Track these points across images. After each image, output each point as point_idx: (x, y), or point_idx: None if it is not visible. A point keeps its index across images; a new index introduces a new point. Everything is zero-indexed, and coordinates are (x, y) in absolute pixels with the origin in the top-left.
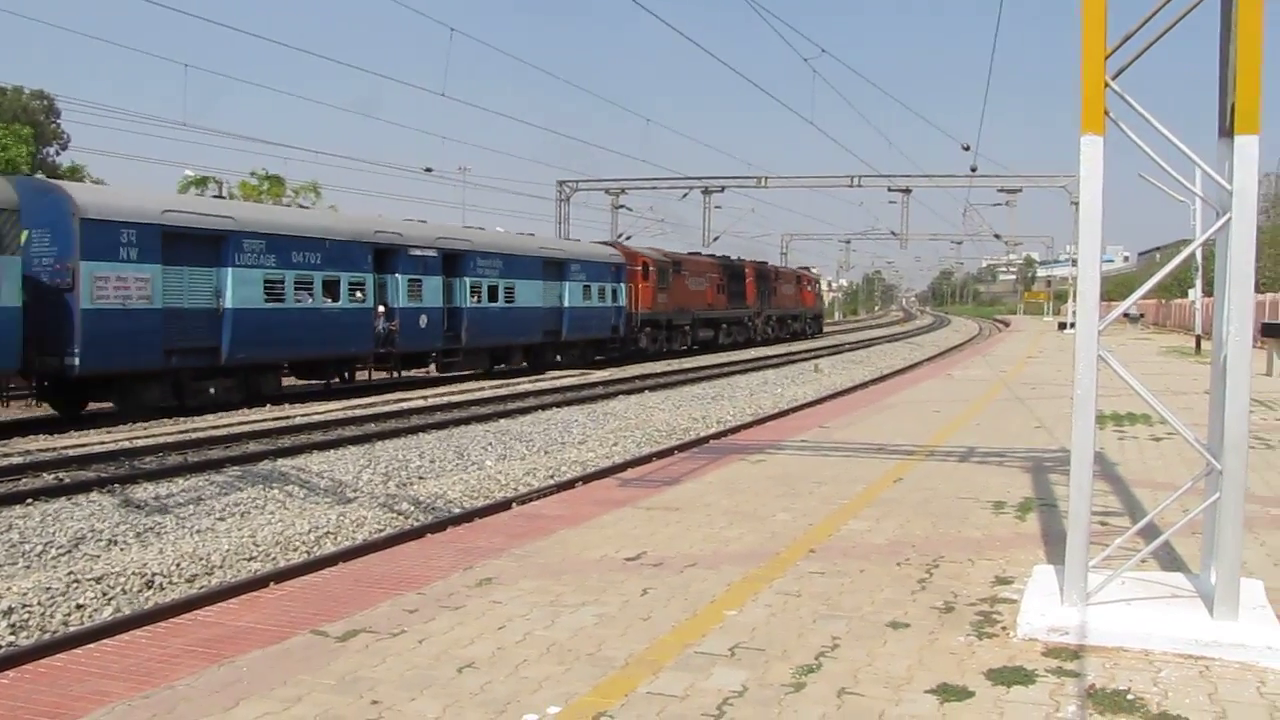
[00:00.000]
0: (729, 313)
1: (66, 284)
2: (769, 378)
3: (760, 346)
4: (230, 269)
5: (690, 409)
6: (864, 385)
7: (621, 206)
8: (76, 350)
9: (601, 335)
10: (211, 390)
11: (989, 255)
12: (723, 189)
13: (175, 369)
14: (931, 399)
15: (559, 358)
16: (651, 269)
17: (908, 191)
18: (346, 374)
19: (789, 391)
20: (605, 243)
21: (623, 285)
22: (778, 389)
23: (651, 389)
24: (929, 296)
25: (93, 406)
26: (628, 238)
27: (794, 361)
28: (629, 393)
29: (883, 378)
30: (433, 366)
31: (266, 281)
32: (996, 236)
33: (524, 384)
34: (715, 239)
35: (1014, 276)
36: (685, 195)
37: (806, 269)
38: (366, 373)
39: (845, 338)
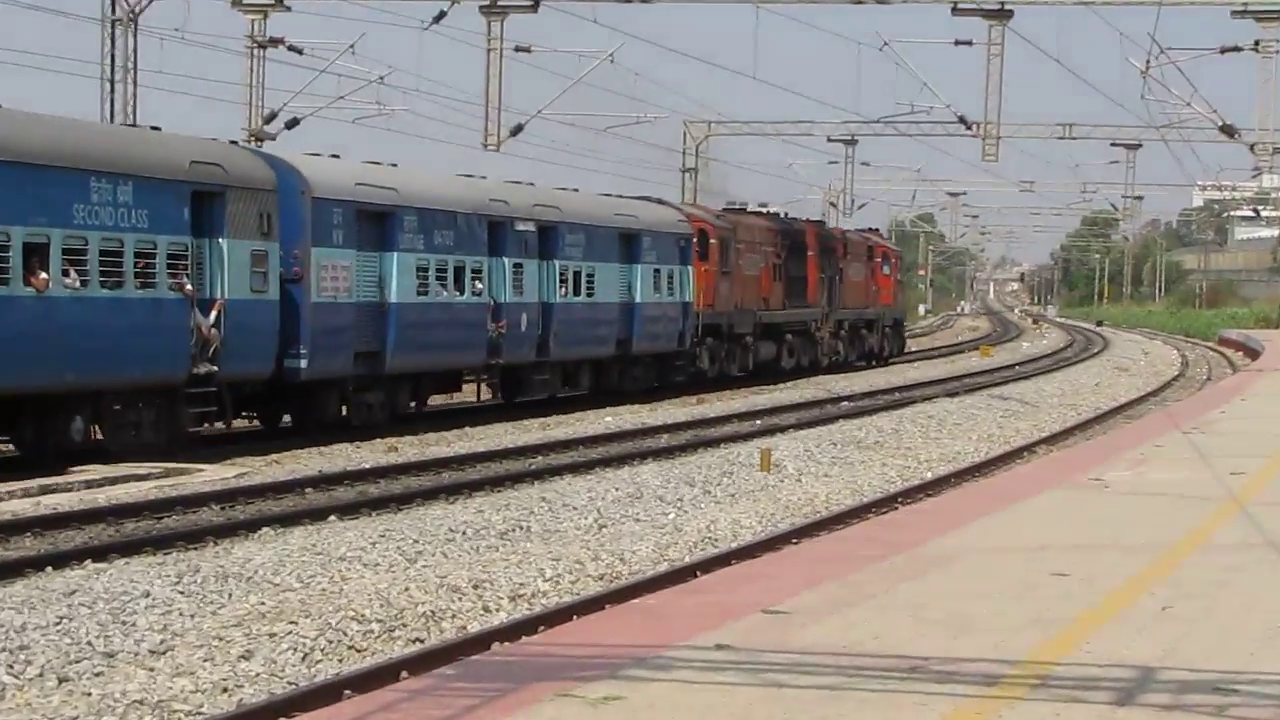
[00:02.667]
0: (792, 313)
1: (294, 274)
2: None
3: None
4: (395, 254)
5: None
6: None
7: None
8: (304, 351)
9: (669, 347)
10: (370, 405)
11: (1205, 178)
12: None
13: (354, 375)
14: (1051, 535)
15: (621, 380)
16: (712, 241)
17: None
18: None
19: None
20: (658, 200)
21: (690, 270)
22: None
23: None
24: (1056, 280)
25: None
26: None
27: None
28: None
29: (924, 486)
30: (486, 388)
31: (418, 269)
32: (1226, 130)
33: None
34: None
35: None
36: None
37: (874, 231)
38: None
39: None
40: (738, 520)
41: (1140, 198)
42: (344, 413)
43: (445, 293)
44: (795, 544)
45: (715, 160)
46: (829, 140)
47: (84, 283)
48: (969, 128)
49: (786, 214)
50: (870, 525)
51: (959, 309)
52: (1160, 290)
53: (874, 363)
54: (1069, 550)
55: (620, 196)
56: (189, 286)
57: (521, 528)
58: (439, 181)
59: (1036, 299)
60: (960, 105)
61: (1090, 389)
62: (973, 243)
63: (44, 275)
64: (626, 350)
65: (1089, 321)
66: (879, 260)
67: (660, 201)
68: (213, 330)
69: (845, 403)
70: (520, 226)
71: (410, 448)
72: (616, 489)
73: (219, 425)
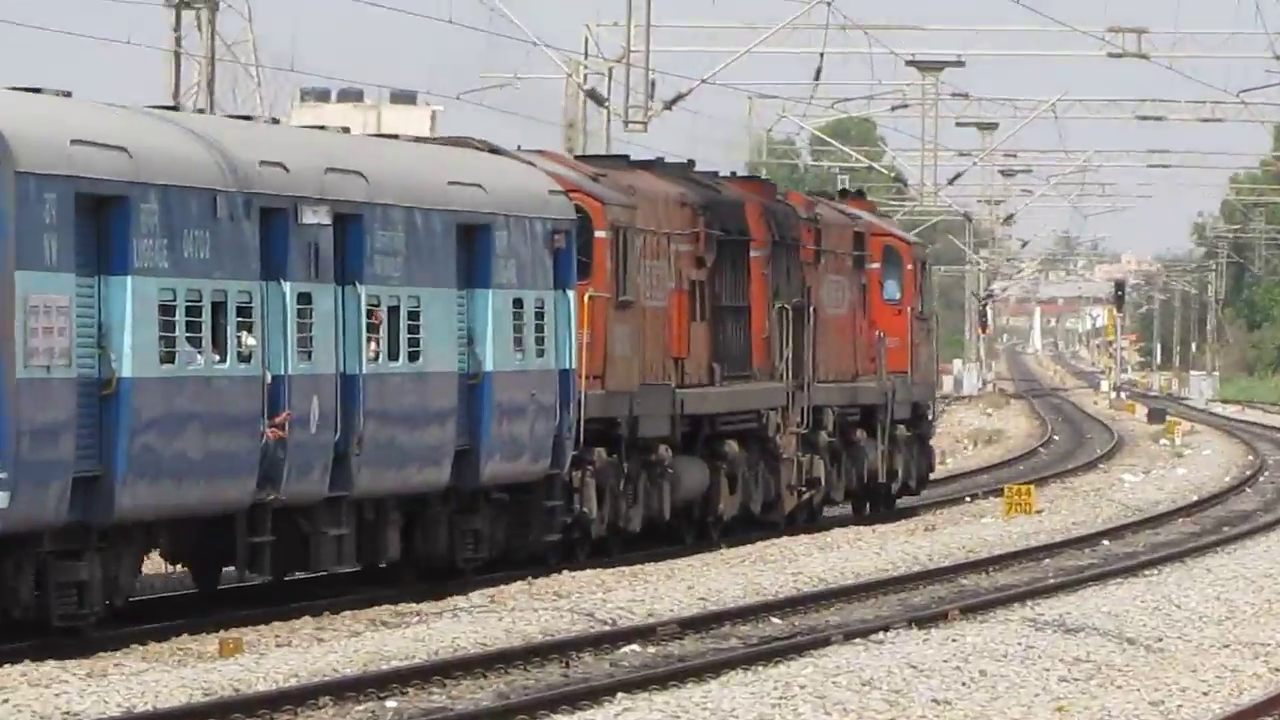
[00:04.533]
0: (735, 393)
1: None
2: None
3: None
4: (129, 279)
5: None
6: None
7: None
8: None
9: (535, 469)
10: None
11: None
12: None
13: (65, 525)
14: None
15: (471, 545)
16: (600, 235)
17: None
18: None
19: None
20: (493, 149)
21: (570, 298)
22: None
23: None
24: (1215, 293)
25: None
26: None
27: None
28: None
29: None
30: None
31: (160, 307)
32: None
33: None
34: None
35: None
36: None
37: (860, 199)
38: None
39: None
40: None
41: None
42: (35, 599)
43: (200, 356)
44: None
45: None
46: None
47: None
48: None
49: (692, 163)
50: None
51: (955, 373)
52: None
53: (876, 506)
54: None
55: (437, 142)
56: None
57: None
58: (179, 132)
59: (1151, 353)
60: None
61: None
62: (992, 201)
63: None
64: (468, 474)
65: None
66: (878, 268)
67: (498, 151)
68: None
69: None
70: (309, 218)
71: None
72: None
73: None
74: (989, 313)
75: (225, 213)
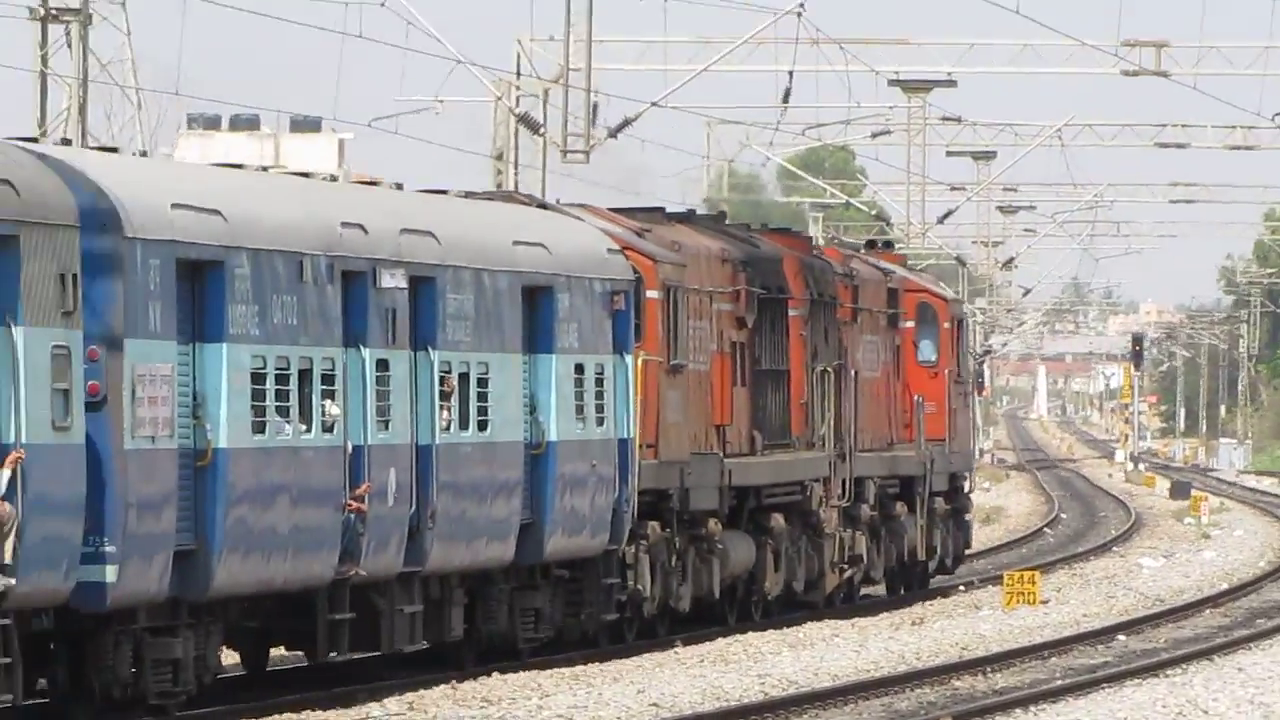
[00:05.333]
0: (779, 464)
1: (92, 393)
2: None
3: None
4: (224, 346)
5: None
6: None
7: None
8: (109, 549)
9: (595, 545)
10: (176, 662)
11: None
12: None
13: (165, 601)
14: None
15: (531, 624)
16: (651, 296)
17: None
18: None
19: None
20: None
21: (628, 364)
22: None
23: None
24: (1247, 347)
25: None
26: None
27: None
28: None
29: None
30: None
31: (253, 376)
32: None
33: None
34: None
35: None
36: None
37: (888, 251)
38: None
39: None
40: None
41: None
42: (133, 675)
43: (289, 427)
44: None
45: None
46: None
47: None
48: None
49: (724, 214)
50: None
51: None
52: None
53: (911, 585)
54: None
55: (487, 197)
56: None
57: None
58: (269, 191)
59: (1174, 418)
60: None
61: None
62: (990, 243)
63: None
64: (531, 549)
65: None
66: (913, 328)
67: (545, 206)
68: (5, 506)
69: None
70: (387, 282)
71: None
72: None
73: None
74: (986, 372)
75: (311, 277)
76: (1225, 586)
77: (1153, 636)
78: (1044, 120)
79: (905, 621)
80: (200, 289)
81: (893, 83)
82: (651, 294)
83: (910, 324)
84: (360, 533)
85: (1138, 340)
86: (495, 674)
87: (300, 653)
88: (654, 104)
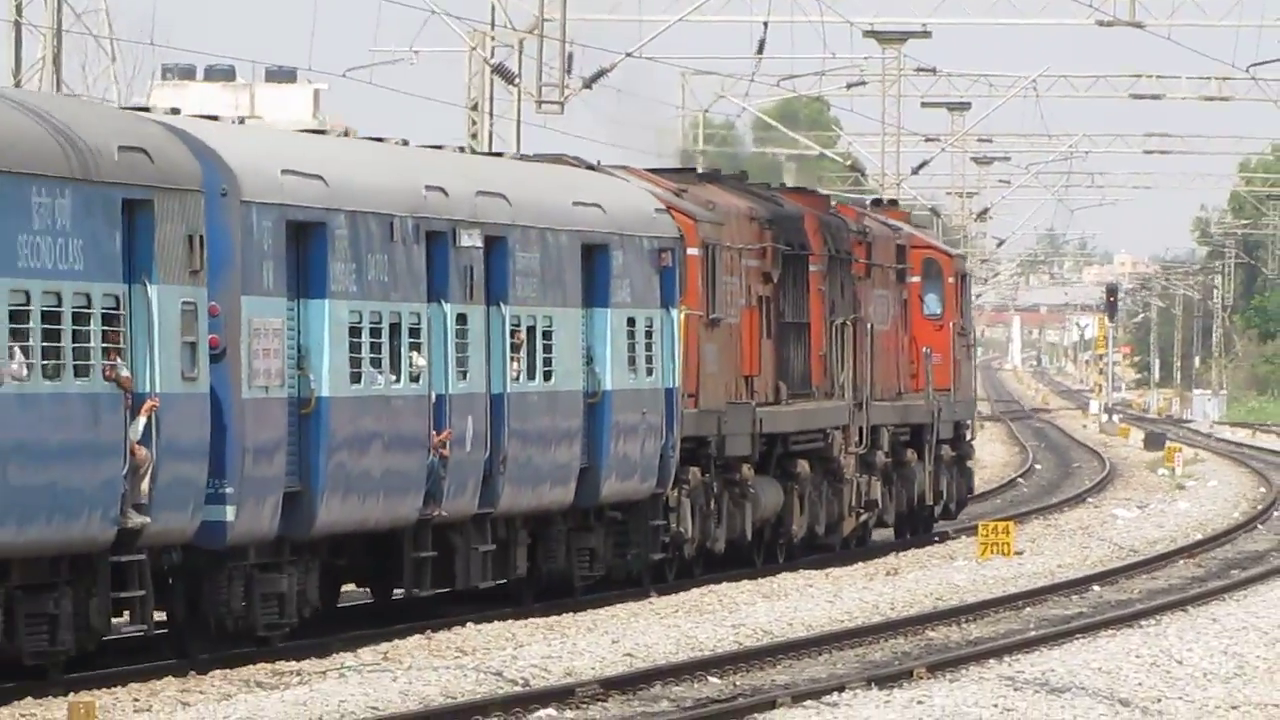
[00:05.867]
0: (804, 412)
1: (213, 346)
2: None
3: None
4: (326, 302)
5: None
6: None
7: None
8: (229, 490)
9: (644, 489)
10: (281, 596)
11: None
12: None
13: (274, 540)
14: None
15: (586, 563)
16: (692, 253)
17: None
18: None
19: None
20: (589, 165)
21: (674, 317)
22: None
23: None
24: (1220, 298)
25: None
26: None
27: None
28: None
29: None
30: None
31: (350, 330)
32: None
33: None
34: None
35: None
36: None
37: (893, 207)
38: None
39: None
40: None
41: None
42: (244, 609)
43: (381, 377)
44: None
45: None
46: None
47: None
48: None
49: (745, 174)
50: None
51: None
52: None
53: (917, 529)
54: None
55: (544, 159)
56: (125, 373)
57: None
58: (364, 156)
59: (1148, 368)
60: None
61: None
62: (964, 194)
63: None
64: (588, 493)
65: None
66: (919, 282)
67: (593, 167)
68: (142, 450)
69: None
70: (466, 241)
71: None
72: None
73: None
74: None
75: (400, 236)
76: (1199, 537)
77: (1127, 587)
78: (1019, 71)
79: (880, 572)
80: (304, 249)
81: (868, 34)
82: (692, 251)
83: (916, 279)
84: (442, 476)
85: (1112, 291)
86: (470, 624)
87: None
88: (629, 54)
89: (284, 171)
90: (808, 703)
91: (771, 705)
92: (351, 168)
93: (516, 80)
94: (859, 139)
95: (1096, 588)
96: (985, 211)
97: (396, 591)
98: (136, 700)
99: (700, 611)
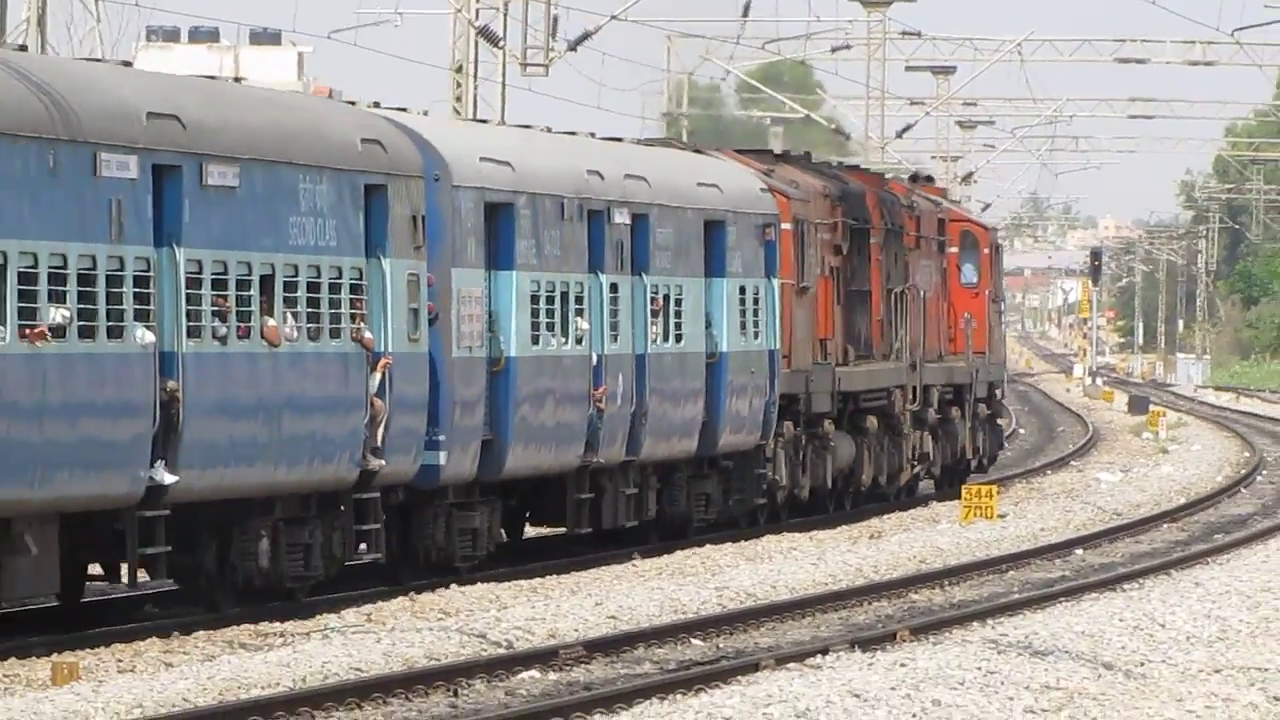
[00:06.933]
0: (872, 372)
1: (429, 312)
2: None
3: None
4: (514, 274)
5: None
6: None
7: None
8: (442, 438)
9: (750, 441)
10: (475, 531)
11: None
12: None
13: (469, 483)
14: None
15: (702, 507)
16: (785, 228)
17: None
18: None
19: None
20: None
21: (775, 287)
22: None
23: None
24: (1203, 263)
25: None
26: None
27: None
28: None
29: None
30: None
31: (532, 299)
32: None
33: None
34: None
35: None
36: None
37: (930, 184)
38: None
39: None
40: None
41: None
42: (445, 541)
43: (554, 340)
44: None
45: None
46: None
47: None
48: None
49: (809, 154)
50: None
51: None
52: None
53: (952, 482)
54: None
55: (648, 143)
56: (369, 335)
57: None
58: (542, 145)
59: (1132, 333)
60: None
61: None
62: (949, 158)
63: (271, 322)
64: (707, 443)
65: None
66: (956, 253)
67: (698, 150)
68: (379, 401)
69: None
70: (618, 218)
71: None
72: None
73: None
74: None
75: (568, 215)
76: (1183, 501)
77: (1110, 551)
78: (1004, 35)
79: (863, 535)
80: (494, 226)
81: None
82: (785, 226)
83: (954, 249)
84: (599, 427)
85: (1096, 255)
86: (453, 585)
87: None
88: (614, 17)
89: (482, 159)
90: (791, 665)
91: (755, 667)
92: (531, 154)
93: (501, 43)
94: (844, 102)
95: (1079, 551)
96: (970, 175)
97: None
98: (120, 661)
99: (684, 574)
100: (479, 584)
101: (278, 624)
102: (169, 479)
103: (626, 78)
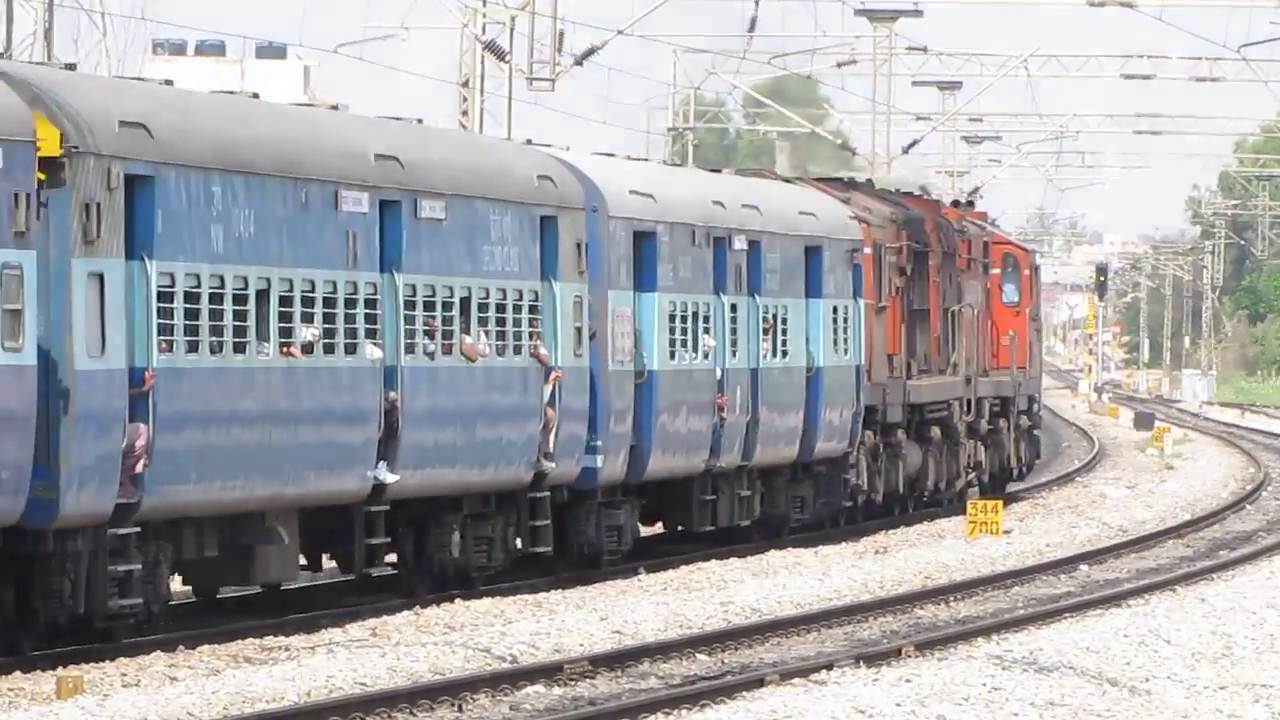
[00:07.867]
0: (938, 385)
1: (590, 330)
2: None
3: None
4: (655, 295)
5: None
6: None
7: None
8: (599, 444)
9: (840, 449)
10: (620, 528)
11: None
12: None
13: (617, 484)
14: None
15: (798, 508)
16: (868, 252)
17: None
18: None
19: None
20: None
21: (861, 308)
22: None
23: None
24: (1211, 278)
25: None
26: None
27: None
28: None
29: None
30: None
31: (670, 318)
32: None
33: None
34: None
35: None
36: None
37: (970, 208)
38: None
39: None
40: None
41: None
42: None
43: (687, 355)
44: None
45: None
46: None
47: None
48: None
49: (870, 182)
50: None
51: None
52: None
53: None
54: None
55: (751, 174)
56: (544, 351)
57: None
58: (677, 178)
59: (1138, 348)
60: None
61: None
62: (955, 173)
63: (469, 339)
64: (805, 450)
65: None
66: (999, 274)
67: (789, 181)
68: (550, 411)
69: None
70: (738, 244)
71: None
72: None
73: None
74: None
75: (698, 242)
76: (1188, 517)
77: (1115, 567)
78: (1010, 51)
79: (869, 550)
80: (639, 252)
81: (859, 12)
82: (866, 250)
83: (997, 270)
84: (721, 435)
85: (1102, 270)
86: (458, 600)
87: None
88: (620, 32)
89: (631, 192)
90: (796, 680)
91: (760, 683)
92: (667, 186)
93: (508, 57)
94: (849, 117)
95: (1085, 567)
96: (976, 191)
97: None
98: (124, 675)
99: (689, 589)
100: (484, 598)
101: (282, 638)
102: (391, 478)
103: (632, 92)
